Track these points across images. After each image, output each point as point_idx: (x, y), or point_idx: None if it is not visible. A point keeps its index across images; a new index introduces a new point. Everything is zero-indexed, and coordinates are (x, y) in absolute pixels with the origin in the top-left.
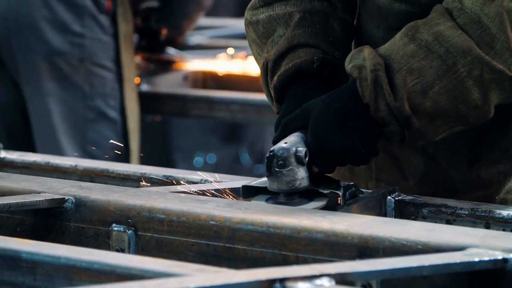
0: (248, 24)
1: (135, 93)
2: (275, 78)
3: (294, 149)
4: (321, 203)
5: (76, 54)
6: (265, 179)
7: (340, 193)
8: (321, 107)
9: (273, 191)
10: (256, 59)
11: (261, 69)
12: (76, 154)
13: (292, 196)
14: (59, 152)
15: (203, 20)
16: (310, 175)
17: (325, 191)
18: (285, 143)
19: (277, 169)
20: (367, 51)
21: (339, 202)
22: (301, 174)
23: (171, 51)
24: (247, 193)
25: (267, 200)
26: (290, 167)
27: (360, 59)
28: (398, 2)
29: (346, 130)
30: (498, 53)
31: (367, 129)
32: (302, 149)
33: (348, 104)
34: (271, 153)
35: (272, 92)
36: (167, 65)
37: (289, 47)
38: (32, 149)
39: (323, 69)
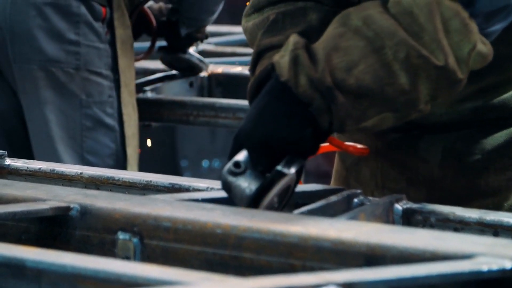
0: (243, 32)
1: (134, 98)
2: (247, 90)
3: (225, 168)
4: (278, 186)
5: (72, 62)
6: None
7: (280, 167)
8: (250, 109)
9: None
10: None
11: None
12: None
13: (260, 202)
14: (57, 160)
15: (208, 27)
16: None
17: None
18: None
19: (229, 194)
20: (292, 36)
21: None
22: (245, 181)
23: (194, 55)
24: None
25: None
26: (232, 185)
27: (285, 49)
28: None
29: (264, 118)
30: (426, 43)
31: (288, 111)
32: (230, 163)
33: (267, 91)
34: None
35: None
36: (192, 70)
37: (258, 53)
38: (31, 157)
39: None
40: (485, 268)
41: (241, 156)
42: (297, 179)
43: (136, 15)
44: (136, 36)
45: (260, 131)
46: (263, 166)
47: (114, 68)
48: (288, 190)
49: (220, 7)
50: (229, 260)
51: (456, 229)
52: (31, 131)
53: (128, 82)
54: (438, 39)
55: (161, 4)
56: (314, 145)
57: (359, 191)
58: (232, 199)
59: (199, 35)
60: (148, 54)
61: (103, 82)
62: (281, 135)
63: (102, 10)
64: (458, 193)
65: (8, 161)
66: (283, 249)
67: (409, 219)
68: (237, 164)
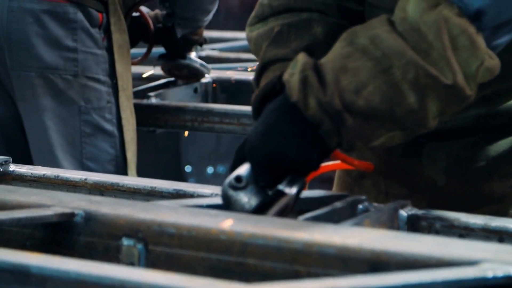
0: (247, 41)
1: (131, 103)
2: (251, 102)
3: (226, 181)
4: (279, 204)
5: (70, 69)
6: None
7: (283, 187)
8: (256, 123)
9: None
10: None
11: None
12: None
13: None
14: (57, 167)
15: (213, 33)
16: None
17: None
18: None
19: (229, 208)
20: (300, 56)
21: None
22: (246, 196)
23: (194, 60)
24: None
25: None
26: (232, 199)
27: (294, 67)
28: None
29: (273, 135)
30: (434, 61)
31: (297, 131)
32: (231, 177)
33: (275, 109)
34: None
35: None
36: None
37: (263, 65)
38: (31, 164)
39: None
40: (490, 274)
41: (243, 170)
42: (296, 197)
43: (130, 17)
44: (133, 43)
45: (268, 148)
46: (265, 182)
47: (112, 73)
48: (287, 208)
49: (215, 7)
50: (233, 266)
51: (461, 235)
52: (30, 139)
53: (125, 87)
54: (447, 57)
55: (157, 11)
56: (318, 164)
57: (363, 197)
58: (230, 211)
59: (196, 38)
60: (145, 58)
61: (101, 88)
62: (289, 155)
63: (99, 16)
64: (463, 200)
65: (13, 167)
66: (288, 255)
67: (414, 225)
68: (238, 179)
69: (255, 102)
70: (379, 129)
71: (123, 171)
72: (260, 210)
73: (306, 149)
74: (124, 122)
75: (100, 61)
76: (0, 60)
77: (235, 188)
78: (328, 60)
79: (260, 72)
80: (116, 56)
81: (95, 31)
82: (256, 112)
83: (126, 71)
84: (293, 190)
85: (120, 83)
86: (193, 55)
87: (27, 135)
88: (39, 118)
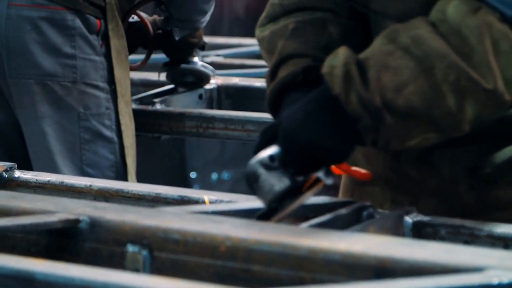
0: (258, 41)
1: (130, 108)
2: (268, 92)
3: (259, 159)
4: (308, 193)
5: (68, 76)
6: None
7: (322, 174)
8: (292, 109)
9: (265, 205)
10: None
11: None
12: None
13: (284, 200)
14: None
15: (217, 39)
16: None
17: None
18: (254, 157)
19: (254, 185)
20: (342, 50)
21: (320, 183)
22: (276, 177)
23: (197, 62)
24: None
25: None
26: (262, 177)
27: (335, 59)
28: None
29: (311, 125)
30: (476, 65)
31: (336, 123)
32: (265, 155)
33: (317, 99)
34: (245, 173)
35: (267, 107)
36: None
37: (281, 60)
38: (31, 170)
39: (311, 77)
40: (495, 281)
41: (274, 152)
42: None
43: (128, 23)
44: (132, 49)
45: (305, 137)
46: (294, 169)
47: (110, 79)
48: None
49: (211, 7)
50: (238, 273)
51: (466, 242)
52: (30, 145)
53: (124, 92)
54: (488, 61)
55: (155, 16)
56: (348, 158)
57: (368, 203)
58: (253, 190)
59: (195, 40)
60: (144, 63)
61: (100, 94)
62: (326, 145)
63: (97, 23)
64: (468, 206)
65: (18, 174)
66: (293, 261)
67: (419, 232)
68: (272, 158)
69: (273, 93)
70: (415, 130)
71: (123, 177)
72: (288, 193)
73: (342, 141)
74: (123, 127)
75: (99, 67)
76: None
77: (267, 167)
78: (370, 56)
79: (276, 66)
80: (115, 62)
81: (93, 38)
82: (273, 103)
83: (124, 77)
84: (329, 181)
85: (118, 89)
86: (196, 60)
87: (27, 142)
88: (38, 125)
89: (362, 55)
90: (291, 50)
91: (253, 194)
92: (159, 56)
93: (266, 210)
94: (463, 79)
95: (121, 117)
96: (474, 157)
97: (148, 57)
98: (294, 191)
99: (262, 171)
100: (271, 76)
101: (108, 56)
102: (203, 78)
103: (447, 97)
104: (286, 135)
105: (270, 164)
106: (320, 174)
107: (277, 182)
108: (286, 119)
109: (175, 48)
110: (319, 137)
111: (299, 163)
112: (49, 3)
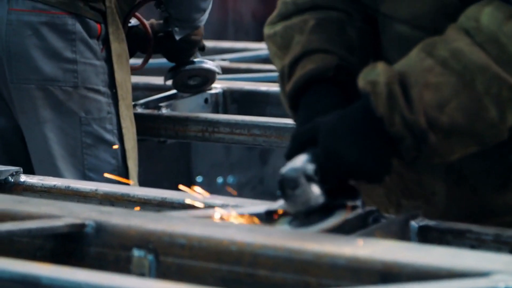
0: (267, 38)
1: (131, 112)
2: (290, 83)
3: (302, 168)
4: (341, 216)
5: (70, 81)
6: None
7: (359, 203)
8: (332, 122)
9: (290, 211)
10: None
11: (279, 76)
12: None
13: (312, 215)
14: None
15: (223, 43)
16: (327, 189)
17: (343, 203)
18: (294, 163)
19: (289, 191)
20: (381, 66)
21: (358, 211)
22: (315, 191)
23: (200, 60)
24: (271, 217)
25: (290, 223)
26: (302, 187)
27: (374, 74)
28: (419, 31)
29: (356, 146)
30: None
31: (380, 145)
32: (311, 167)
33: (360, 118)
34: (281, 176)
35: (287, 98)
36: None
37: (304, 52)
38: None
39: (339, 76)
40: (501, 285)
41: (312, 165)
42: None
43: (128, 26)
44: (131, 53)
45: (349, 160)
46: (330, 185)
47: (111, 83)
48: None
49: (209, 5)
50: (244, 277)
51: (472, 247)
52: (32, 150)
53: (125, 96)
54: None
55: (152, 20)
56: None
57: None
58: (285, 195)
59: (196, 38)
60: (144, 64)
61: (101, 99)
62: (368, 169)
63: (97, 27)
64: (475, 211)
65: (23, 178)
66: (298, 266)
67: (425, 236)
68: (316, 172)
69: (298, 84)
70: (458, 145)
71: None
72: (321, 209)
73: (383, 162)
74: (124, 131)
75: (99, 72)
76: (0, 73)
77: (309, 178)
78: (409, 72)
79: (297, 59)
80: (115, 66)
81: (93, 42)
82: (293, 99)
83: (125, 81)
84: (363, 210)
85: (119, 92)
86: (199, 59)
87: (28, 147)
88: (40, 130)
89: (400, 69)
90: (316, 45)
91: (282, 197)
92: (163, 60)
93: (325, 204)
94: (505, 89)
95: (122, 121)
96: (481, 162)
97: (148, 57)
98: (328, 207)
99: (303, 181)
100: (290, 68)
101: (108, 60)
102: (210, 77)
103: (490, 110)
104: (329, 155)
105: (314, 177)
106: (358, 203)
107: (314, 197)
108: (326, 135)
109: (176, 49)
110: (362, 161)
111: (336, 181)
112: (50, 8)
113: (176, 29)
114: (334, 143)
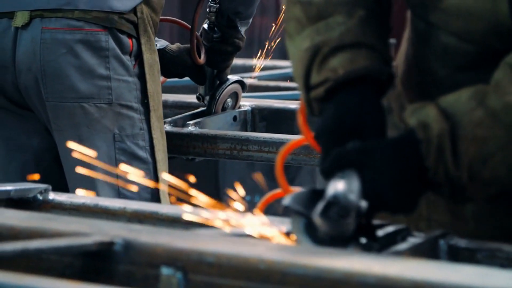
0: (296, 2)
1: (161, 123)
2: (329, 73)
3: (357, 202)
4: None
5: (104, 97)
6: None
7: (376, 246)
8: (381, 158)
9: (321, 231)
10: (290, 35)
11: (308, 49)
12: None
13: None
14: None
15: (252, 61)
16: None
17: (362, 241)
18: (347, 188)
19: (335, 215)
20: (432, 110)
21: (388, 229)
22: (353, 225)
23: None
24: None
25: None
26: (349, 219)
27: (423, 115)
28: (466, 43)
29: (401, 189)
30: None
31: (420, 190)
32: (364, 205)
33: (408, 163)
34: (336, 199)
35: (318, 81)
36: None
37: (355, 42)
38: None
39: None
40: None
41: (365, 203)
42: None
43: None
44: (168, 76)
45: (393, 203)
46: (370, 219)
47: (143, 98)
48: None
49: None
50: None
51: (503, 265)
52: (67, 168)
53: (156, 107)
54: None
55: (178, 44)
56: None
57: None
58: (330, 217)
59: (240, 43)
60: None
61: (134, 115)
62: (408, 210)
63: (129, 43)
64: (507, 229)
65: (52, 195)
66: (328, 285)
67: (455, 255)
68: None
69: (339, 79)
70: (492, 191)
71: (157, 199)
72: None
73: (418, 200)
74: (155, 142)
75: (132, 88)
76: (35, 92)
77: (358, 215)
78: (458, 123)
79: (343, 47)
80: (147, 76)
81: (126, 58)
82: (330, 90)
83: (156, 92)
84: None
85: (151, 103)
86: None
87: (64, 165)
88: (76, 148)
89: (446, 107)
90: (370, 39)
91: (322, 214)
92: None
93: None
94: None
95: (153, 131)
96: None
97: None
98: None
99: (353, 215)
100: (332, 50)
101: (141, 76)
102: (238, 98)
103: None
104: (375, 196)
105: (361, 212)
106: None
107: (349, 231)
108: (374, 173)
109: (221, 52)
110: (402, 205)
111: (376, 215)
112: (84, 24)
113: (238, 21)
114: (380, 184)
